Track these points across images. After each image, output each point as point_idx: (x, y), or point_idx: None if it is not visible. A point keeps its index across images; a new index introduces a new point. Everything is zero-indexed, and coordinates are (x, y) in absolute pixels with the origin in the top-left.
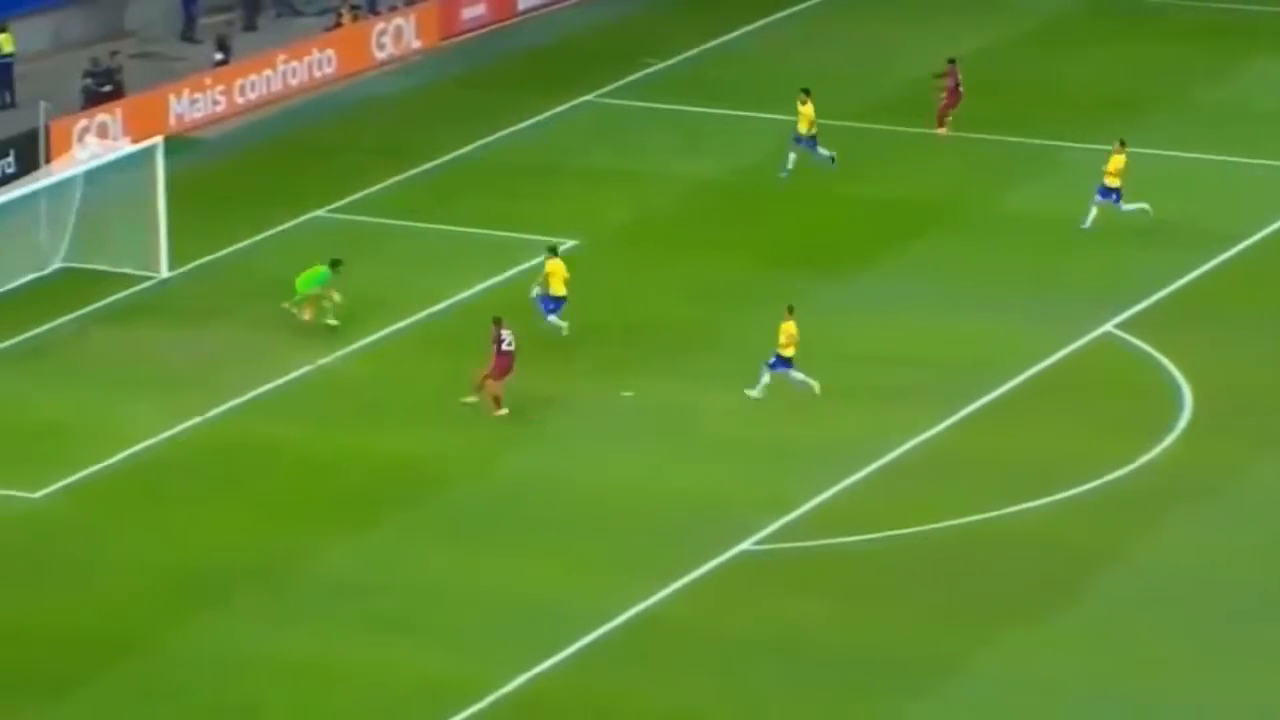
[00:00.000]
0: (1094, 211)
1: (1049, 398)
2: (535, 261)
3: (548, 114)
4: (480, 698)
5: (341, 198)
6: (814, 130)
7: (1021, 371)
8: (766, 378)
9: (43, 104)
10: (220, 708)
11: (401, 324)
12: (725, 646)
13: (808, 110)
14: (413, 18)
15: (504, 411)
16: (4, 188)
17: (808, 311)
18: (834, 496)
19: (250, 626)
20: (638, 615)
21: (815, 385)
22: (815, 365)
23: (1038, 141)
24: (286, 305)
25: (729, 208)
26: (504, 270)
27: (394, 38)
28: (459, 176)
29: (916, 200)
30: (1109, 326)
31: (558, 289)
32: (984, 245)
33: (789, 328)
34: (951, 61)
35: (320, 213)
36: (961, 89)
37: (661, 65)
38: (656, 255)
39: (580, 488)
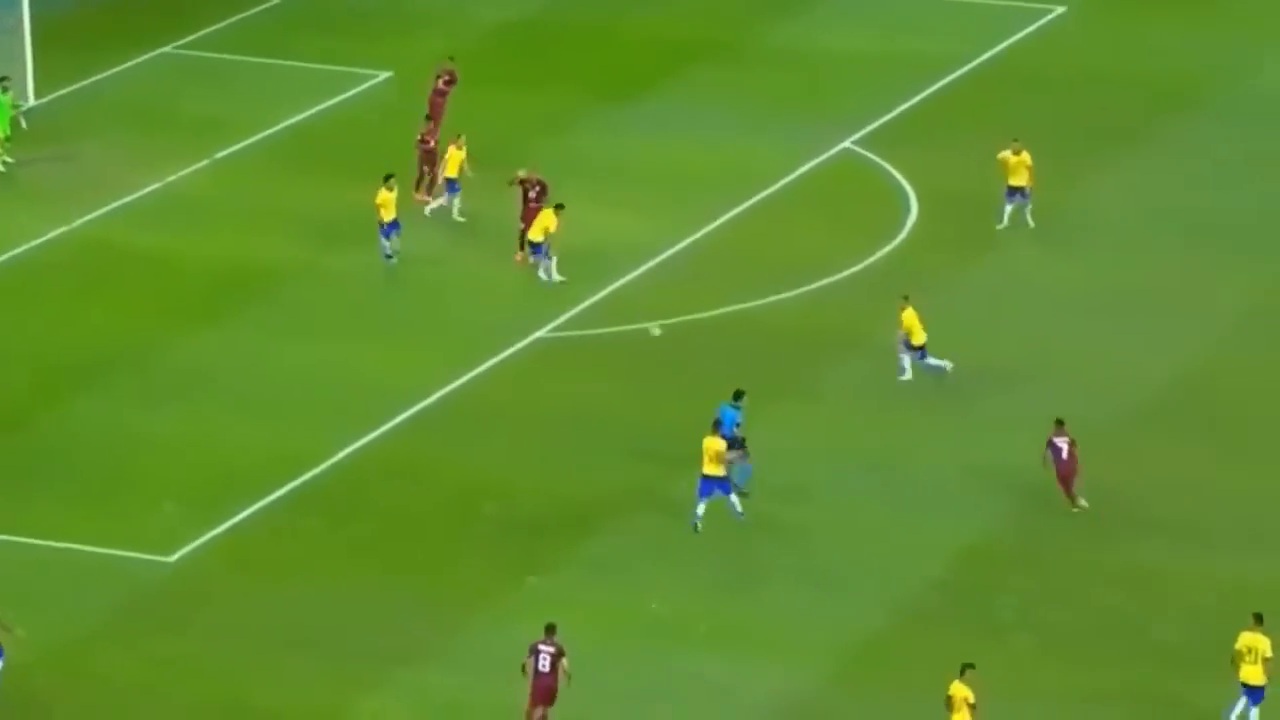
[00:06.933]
0: None
1: (799, 204)
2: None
3: None
4: (320, 464)
5: (185, 36)
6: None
7: (776, 181)
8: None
9: None
10: (99, 478)
11: (243, 143)
12: (526, 421)
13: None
14: None
15: None
16: None
17: (597, 132)
18: (616, 290)
19: (120, 408)
20: (450, 393)
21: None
22: (597, 181)
23: None
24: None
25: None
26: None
27: None
28: (288, 17)
29: (691, 36)
30: (847, 143)
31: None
32: (748, 74)
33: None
34: None
35: (168, 49)
36: None
37: None
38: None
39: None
